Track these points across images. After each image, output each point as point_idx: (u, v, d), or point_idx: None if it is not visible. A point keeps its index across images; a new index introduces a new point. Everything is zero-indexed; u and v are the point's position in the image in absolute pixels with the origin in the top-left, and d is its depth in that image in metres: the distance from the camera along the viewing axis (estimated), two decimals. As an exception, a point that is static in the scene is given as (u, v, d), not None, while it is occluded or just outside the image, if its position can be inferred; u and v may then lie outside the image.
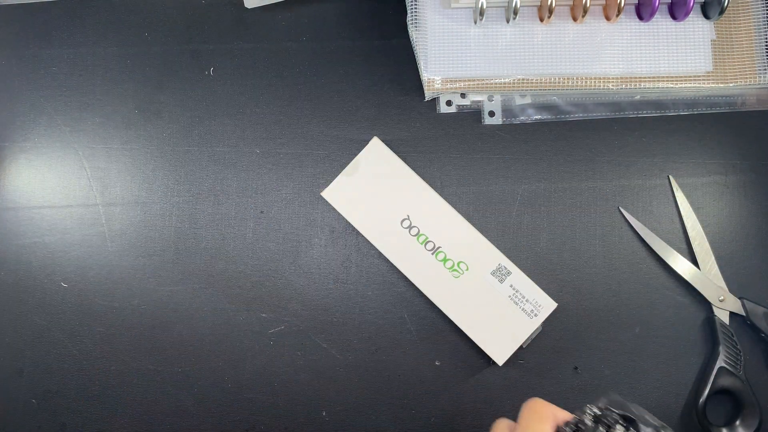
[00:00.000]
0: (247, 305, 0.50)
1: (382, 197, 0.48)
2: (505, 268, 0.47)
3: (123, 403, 0.50)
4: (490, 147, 0.50)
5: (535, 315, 0.47)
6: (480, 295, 0.47)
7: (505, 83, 0.49)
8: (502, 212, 0.50)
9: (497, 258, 0.47)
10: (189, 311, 0.50)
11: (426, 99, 0.51)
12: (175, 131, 0.52)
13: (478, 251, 0.48)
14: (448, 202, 0.48)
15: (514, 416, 0.49)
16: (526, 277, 0.47)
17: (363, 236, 0.49)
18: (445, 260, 0.47)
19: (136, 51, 0.53)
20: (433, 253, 0.48)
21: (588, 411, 0.34)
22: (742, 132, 0.50)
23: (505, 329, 0.46)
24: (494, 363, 0.46)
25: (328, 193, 0.49)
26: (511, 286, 0.47)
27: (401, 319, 0.49)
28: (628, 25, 0.50)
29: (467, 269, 0.47)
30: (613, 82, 0.49)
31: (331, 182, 0.49)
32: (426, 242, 0.48)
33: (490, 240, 0.48)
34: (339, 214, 0.49)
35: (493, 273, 0.47)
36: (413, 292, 0.49)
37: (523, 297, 0.47)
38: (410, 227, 0.48)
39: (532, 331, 0.47)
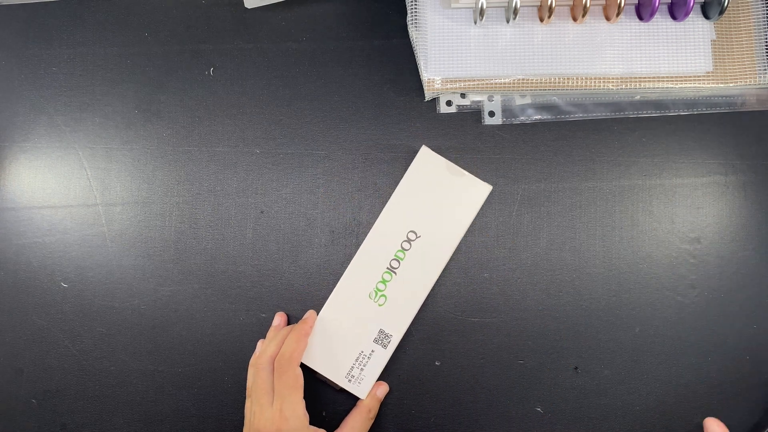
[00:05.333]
0: (247, 305, 0.50)
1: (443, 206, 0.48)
2: (384, 332, 0.47)
3: (123, 403, 0.50)
4: (490, 147, 0.50)
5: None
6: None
7: (505, 83, 0.49)
8: (502, 212, 0.50)
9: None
10: (189, 311, 0.50)
11: (426, 99, 0.51)
12: (175, 131, 0.52)
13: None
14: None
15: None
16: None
17: (363, 236, 0.49)
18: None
19: (136, 51, 0.53)
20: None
21: None
22: (742, 132, 0.50)
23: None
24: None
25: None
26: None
27: (401, 319, 0.49)
28: (628, 25, 0.50)
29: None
30: (613, 82, 0.49)
31: (333, 181, 0.49)
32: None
33: (489, 240, 0.48)
34: (339, 214, 0.49)
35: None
36: (413, 292, 0.49)
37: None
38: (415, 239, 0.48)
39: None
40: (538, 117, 0.50)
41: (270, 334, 0.48)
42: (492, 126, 0.51)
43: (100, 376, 0.50)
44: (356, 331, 0.47)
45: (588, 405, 0.48)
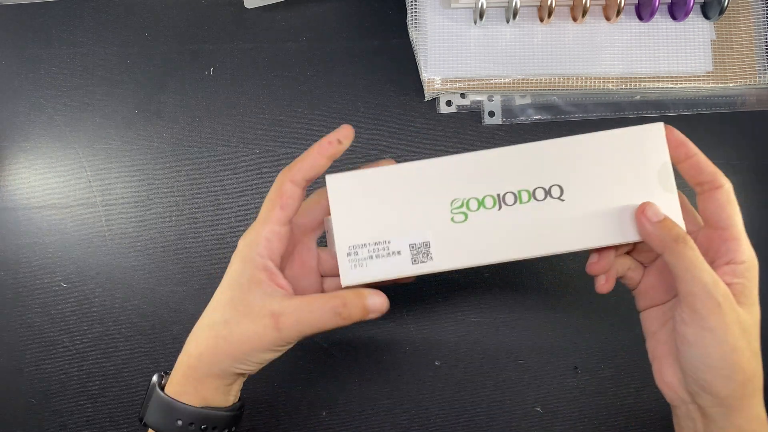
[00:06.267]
0: (247, 305, 0.50)
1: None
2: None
3: (123, 403, 0.50)
4: (490, 147, 0.50)
5: None
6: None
7: (505, 83, 0.49)
8: (502, 212, 0.50)
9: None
10: (189, 311, 0.50)
11: (426, 99, 0.51)
12: (175, 131, 0.52)
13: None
14: None
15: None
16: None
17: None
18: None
19: (136, 51, 0.53)
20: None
21: None
22: (742, 132, 0.50)
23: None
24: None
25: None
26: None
27: (401, 319, 0.49)
28: (628, 25, 0.50)
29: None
30: (613, 82, 0.49)
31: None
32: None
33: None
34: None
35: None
36: (413, 291, 0.49)
37: None
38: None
39: None
40: (538, 117, 0.50)
41: None
42: (492, 126, 0.51)
43: (100, 376, 0.50)
44: (405, 216, 0.34)
45: (588, 405, 0.48)
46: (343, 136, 0.35)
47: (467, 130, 0.51)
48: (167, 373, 0.37)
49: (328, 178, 0.35)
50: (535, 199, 0.34)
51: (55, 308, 0.51)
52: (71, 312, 0.51)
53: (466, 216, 0.34)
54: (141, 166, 0.52)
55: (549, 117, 0.50)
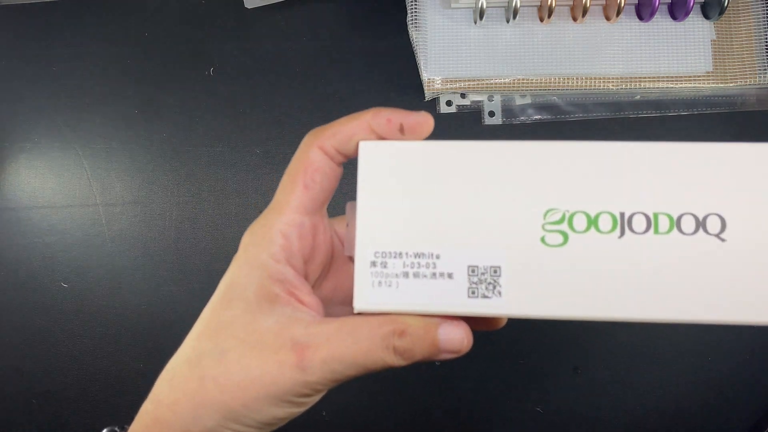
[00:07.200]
0: (247, 305, 0.50)
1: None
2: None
3: (123, 403, 0.50)
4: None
5: None
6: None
7: (505, 83, 0.49)
8: (502, 212, 0.50)
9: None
10: (189, 311, 0.50)
11: (426, 99, 0.51)
12: (175, 131, 0.52)
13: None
14: None
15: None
16: None
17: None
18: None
19: (136, 51, 0.53)
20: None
21: None
22: (742, 132, 0.50)
23: None
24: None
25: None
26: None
27: (401, 319, 0.49)
28: (628, 25, 0.50)
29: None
30: (613, 82, 0.49)
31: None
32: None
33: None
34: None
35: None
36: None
37: None
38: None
39: None
40: (538, 117, 0.50)
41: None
42: (492, 126, 0.51)
43: (100, 376, 0.50)
44: (468, 221, 0.23)
45: (588, 405, 0.48)
46: (411, 126, 0.25)
47: (467, 130, 0.51)
48: (123, 429, 0.26)
49: (362, 144, 0.24)
50: (680, 230, 0.22)
51: (55, 308, 0.51)
52: (71, 312, 0.51)
53: (566, 238, 0.23)
54: (141, 166, 0.52)
55: (549, 117, 0.50)
